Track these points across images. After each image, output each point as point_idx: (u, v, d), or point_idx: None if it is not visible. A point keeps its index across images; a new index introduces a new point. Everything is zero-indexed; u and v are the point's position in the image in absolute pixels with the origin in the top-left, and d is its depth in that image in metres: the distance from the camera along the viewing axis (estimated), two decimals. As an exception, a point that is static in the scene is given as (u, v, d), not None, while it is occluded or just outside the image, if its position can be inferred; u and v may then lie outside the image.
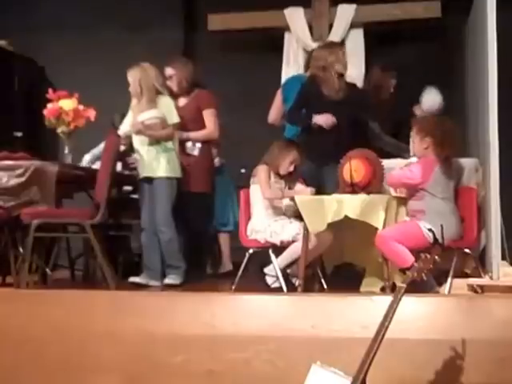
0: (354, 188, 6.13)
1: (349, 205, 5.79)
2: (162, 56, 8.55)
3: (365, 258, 6.15)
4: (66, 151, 6.80)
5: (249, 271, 6.18)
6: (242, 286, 5.95)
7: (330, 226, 5.86)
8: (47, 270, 6.62)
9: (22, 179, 6.03)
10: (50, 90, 6.91)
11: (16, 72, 8.83)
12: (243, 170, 7.56)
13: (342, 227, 6.09)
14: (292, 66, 8.48)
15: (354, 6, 8.23)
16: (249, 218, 6.33)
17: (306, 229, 5.87)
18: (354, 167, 6.12)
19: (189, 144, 6.92)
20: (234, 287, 6.02)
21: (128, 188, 7.37)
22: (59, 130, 6.77)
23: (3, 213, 6.05)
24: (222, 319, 4.81)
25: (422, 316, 4.58)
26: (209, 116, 6.99)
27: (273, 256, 6.09)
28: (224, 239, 7.64)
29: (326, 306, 4.80)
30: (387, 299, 3.91)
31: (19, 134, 8.36)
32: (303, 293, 5.70)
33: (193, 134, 6.91)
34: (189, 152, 6.90)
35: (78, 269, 7.15)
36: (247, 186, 6.51)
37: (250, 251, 6.15)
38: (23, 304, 5.15)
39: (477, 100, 6.19)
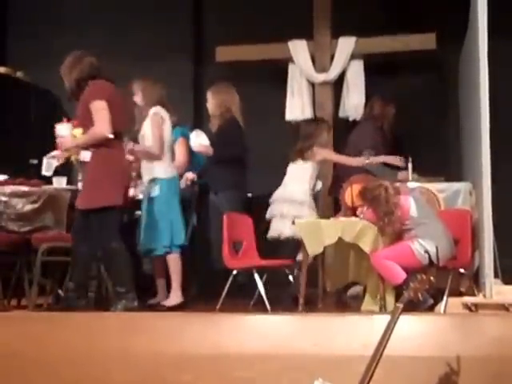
0: (355, 211, 6.20)
1: (344, 228, 5.86)
2: (172, 86, 8.66)
3: (366, 278, 6.17)
4: (79, 177, 6.82)
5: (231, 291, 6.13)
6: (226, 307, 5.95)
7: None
8: (60, 292, 6.63)
9: (36, 205, 6.07)
10: (64, 119, 6.95)
11: (32, 102, 8.89)
12: (250, 195, 7.56)
13: (347, 248, 6.15)
14: (296, 96, 8.51)
15: (354, 39, 8.26)
16: (233, 241, 6.35)
17: (305, 250, 5.93)
18: (355, 192, 6.19)
19: (83, 150, 5.85)
20: (218, 307, 5.96)
21: (139, 212, 7.37)
22: (72, 158, 6.80)
23: (18, 237, 6.09)
24: (228, 339, 4.80)
25: (418, 334, 4.57)
26: (94, 109, 5.69)
27: (257, 277, 6.09)
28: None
29: (327, 325, 4.80)
30: (386, 318, 3.91)
31: (35, 162, 8.39)
32: (305, 312, 5.73)
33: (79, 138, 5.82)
34: (82, 160, 5.86)
35: (91, 290, 7.16)
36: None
37: (234, 272, 6.13)
38: (37, 326, 5.16)
39: (470, 127, 6.21)
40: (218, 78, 8.57)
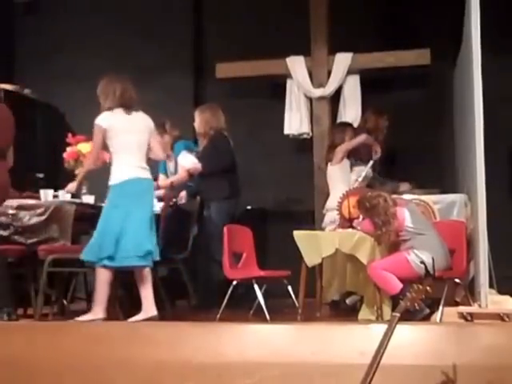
0: (351, 223, 6.20)
1: (342, 240, 5.88)
2: (173, 101, 8.69)
3: (363, 288, 6.15)
4: (84, 191, 6.81)
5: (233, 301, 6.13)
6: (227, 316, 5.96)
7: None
8: (65, 301, 6.62)
9: (43, 218, 6.05)
10: (70, 135, 6.95)
11: (38, 118, 8.90)
12: (249, 207, 7.55)
13: (345, 259, 6.15)
14: (294, 110, 8.51)
15: (350, 55, 8.26)
16: (233, 252, 6.33)
17: (304, 261, 5.94)
18: (352, 204, 6.19)
19: None
20: (218, 316, 5.96)
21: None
22: (77, 172, 6.80)
23: (25, 249, 6.08)
24: (229, 348, 4.77)
25: (415, 342, 4.55)
26: None
27: (256, 287, 6.07)
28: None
29: (326, 333, 4.78)
30: (383, 327, 3.89)
31: (41, 176, 8.40)
32: (303, 322, 5.71)
33: None
34: None
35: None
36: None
37: (234, 283, 6.11)
38: (42, 335, 5.14)
39: (464, 139, 6.20)
40: (218, 93, 8.61)
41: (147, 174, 5.96)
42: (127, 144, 5.89)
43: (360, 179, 6.85)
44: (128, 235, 5.71)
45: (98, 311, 5.73)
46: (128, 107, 5.94)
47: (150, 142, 6.05)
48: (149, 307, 5.77)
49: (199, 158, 7.23)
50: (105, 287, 5.75)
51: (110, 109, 5.92)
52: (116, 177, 5.88)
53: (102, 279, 5.75)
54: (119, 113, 5.91)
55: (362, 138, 7.10)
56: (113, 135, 5.88)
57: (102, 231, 5.76)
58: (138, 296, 6.93)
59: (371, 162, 7.00)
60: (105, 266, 5.72)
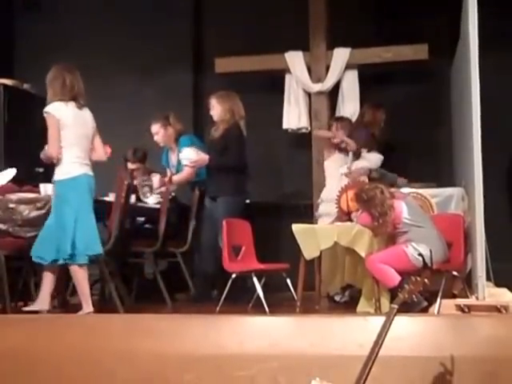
0: (350, 217, 6.21)
1: (340, 233, 5.89)
2: (172, 96, 8.69)
3: (361, 280, 6.17)
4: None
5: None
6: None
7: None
8: (65, 295, 6.62)
9: (42, 211, 6.05)
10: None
11: (38, 112, 8.85)
12: (248, 201, 7.55)
13: (343, 252, 6.16)
14: (293, 105, 8.52)
15: (348, 50, 8.26)
16: (232, 246, 6.33)
17: (302, 254, 5.95)
18: (350, 197, 6.21)
19: None
20: (218, 309, 5.97)
21: (141, 219, 7.39)
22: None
23: (24, 243, 6.08)
24: (229, 340, 4.79)
25: (413, 334, 4.56)
26: None
27: (255, 280, 6.08)
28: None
29: (324, 325, 4.79)
30: (381, 319, 3.91)
31: (41, 170, 8.39)
32: (302, 314, 5.72)
33: None
34: None
35: (95, 293, 7.15)
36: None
37: (233, 276, 6.12)
38: (43, 327, 5.15)
39: (462, 134, 6.21)
40: (217, 88, 8.60)
41: (91, 171, 5.93)
42: (78, 138, 5.86)
43: (343, 171, 6.95)
44: (81, 233, 5.69)
45: (85, 307, 5.74)
46: (79, 101, 5.90)
47: (94, 141, 6.00)
48: (42, 299, 5.75)
49: (209, 150, 7.23)
50: (81, 282, 5.76)
51: (62, 100, 5.86)
52: (67, 171, 5.80)
53: (79, 276, 5.76)
54: (72, 105, 5.87)
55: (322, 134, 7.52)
56: (64, 127, 5.83)
57: (56, 230, 5.71)
58: (137, 288, 7.04)
59: (350, 154, 7.08)
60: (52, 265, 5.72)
